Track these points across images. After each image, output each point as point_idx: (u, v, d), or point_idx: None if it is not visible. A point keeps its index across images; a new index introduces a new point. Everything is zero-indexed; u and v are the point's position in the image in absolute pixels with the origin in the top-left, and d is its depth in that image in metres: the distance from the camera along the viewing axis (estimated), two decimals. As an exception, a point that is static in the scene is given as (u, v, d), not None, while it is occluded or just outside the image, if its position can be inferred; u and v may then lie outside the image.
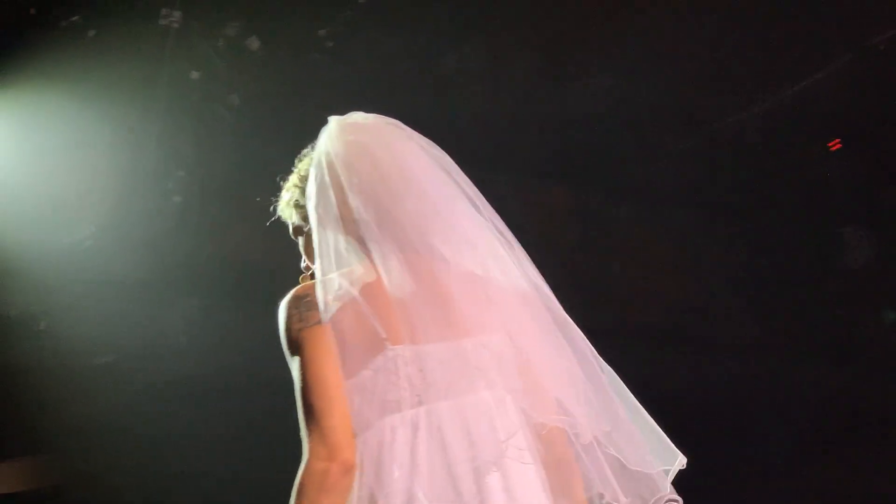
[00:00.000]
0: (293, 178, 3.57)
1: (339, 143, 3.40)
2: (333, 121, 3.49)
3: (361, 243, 3.31)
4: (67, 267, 7.21)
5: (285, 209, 3.59)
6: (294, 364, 3.24)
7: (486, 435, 3.20)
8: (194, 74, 7.39)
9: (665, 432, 3.42)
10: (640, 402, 3.43)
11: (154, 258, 7.74)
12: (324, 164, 3.37)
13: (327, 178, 3.35)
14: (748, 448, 9.41)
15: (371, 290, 3.28)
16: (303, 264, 3.54)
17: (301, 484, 3.18)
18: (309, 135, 8.53)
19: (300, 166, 3.57)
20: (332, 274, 3.27)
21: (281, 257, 8.28)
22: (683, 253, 10.09)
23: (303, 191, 3.50)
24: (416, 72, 8.41)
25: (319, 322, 3.21)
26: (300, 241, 3.56)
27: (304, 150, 3.52)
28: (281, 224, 8.35)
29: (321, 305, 3.21)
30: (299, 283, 3.42)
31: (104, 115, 7.37)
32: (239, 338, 7.92)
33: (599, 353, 3.47)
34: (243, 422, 9.16)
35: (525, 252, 3.40)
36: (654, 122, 8.90)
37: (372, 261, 3.29)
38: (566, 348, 3.33)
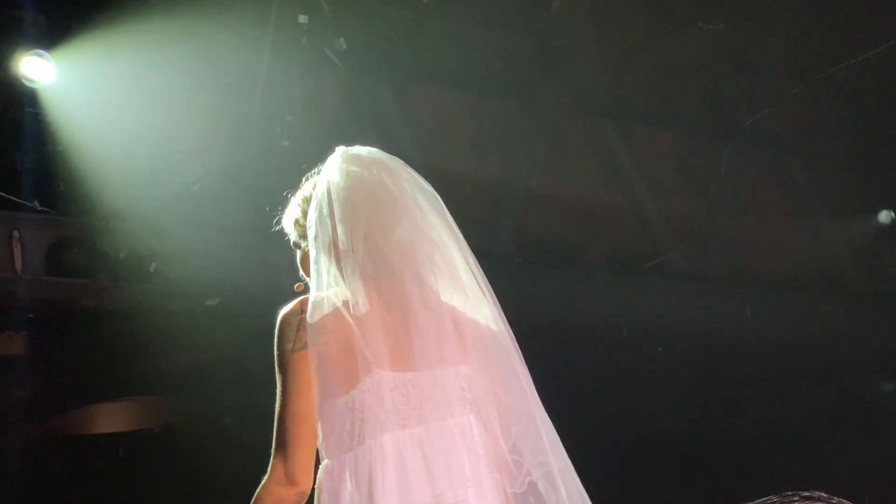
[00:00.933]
0: (298, 197, 3.78)
1: (341, 173, 3.62)
2: (339, 151, 3.70)
3: (352, 273, 3.48)
4: (176, 210, 7.34)
5: (287, 224, 3.80)
6: (279, 380, 3.45)
7: (462, 460, 3.46)
8: (301, 18, 7.44)
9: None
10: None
11: (261, 202, 7.81)
12: (324, 193, 3.59)
13: (325, 209, 3.57)
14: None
15: (358, 317, 3.45)
16: (299, 279, 3.73)
17: (258, 498, 3.45)
18: (414, 79, 8.53)
19: (305, 186, 3.77)
20: (323, 296, 3.44)
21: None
22: (790, 199, 10.05)
23: (304, 211, 3.71)
24: (526, 15, 8.40)
25: (301, 347, 3.41)
26: (297, 254, 3.76)
27: (311, 172, 3.71)
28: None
29: (311, 329, 3.39)
30: (294, 291, 3.64)
31: (213, 60, 7.47)
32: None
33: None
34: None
35: (495, 298, 3.63)
36: (764, 68, 8.83)
37: (360, 289, 3.47)
38: (528, 389, 3.54)
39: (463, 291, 3.60)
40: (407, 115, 8.40)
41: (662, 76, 9.21)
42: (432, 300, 3.51)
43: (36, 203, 7.02)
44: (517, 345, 3.62)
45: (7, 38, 6.80)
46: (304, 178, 3.75)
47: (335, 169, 3.63)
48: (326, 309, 3.42)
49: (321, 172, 3.65)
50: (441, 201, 3.70)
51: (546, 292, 8.73)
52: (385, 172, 3.63)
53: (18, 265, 7.04)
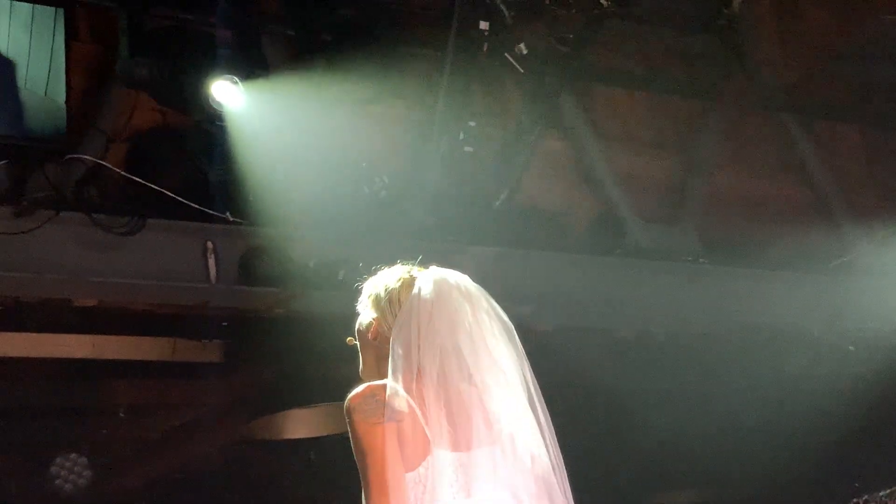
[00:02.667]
0: (378, 291, 4.03)
1: (431, 293, 3.92)
2: (433, 270, 4.00)
3: (419, 376, 3.83)
4: (364, 217, 7.45)
5: (367, 292, 4.05)
6: (360, 456, 3.72)
7: None
8: (482, 25, 7.49)
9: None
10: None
11: (446, 206, 7.88)
12: (414, 308, 3.89)
13: (412, 321, 3.87)
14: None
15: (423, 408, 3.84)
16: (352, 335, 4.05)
17: None
18: (594, 81, 8.47)
19: (395, 271, 4.05)
20: (397, 387, 3.78)
21: (567, 203, 8.54)
22: None
23: (388, 294, 3.98)
24: (705, 12, 8.34)
25: (389, 420, 3.73)
26: (361, 316, 4.03)
27: (401, 276, 3.99)
28: (565, 170, 8.39)
29: (389, 408, 3.74)
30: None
31: (396, 69, 7.54)
32: (528, 285, 8.03)
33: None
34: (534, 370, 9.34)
35: (552, 432, 3.98)
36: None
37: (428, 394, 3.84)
38: None
39: (521, 416, 3.93)
40: (588, 117, 8.39)
41: (846, 69, 9.07)
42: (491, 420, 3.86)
43: (228, 214, 7.19)
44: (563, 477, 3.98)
45: (202, 61, 6.95)
46: (395, 281, 3.98)
47: (428, 287, 3.93)
48: (401, 395, 3.77)
49: (416, 283, 3.94)
50: (514, 332, 4.00)
51: (733, 293, 8.66)
52: (468, 302, 3.95)
53: (213, 275, 7.22)
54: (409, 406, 3.76)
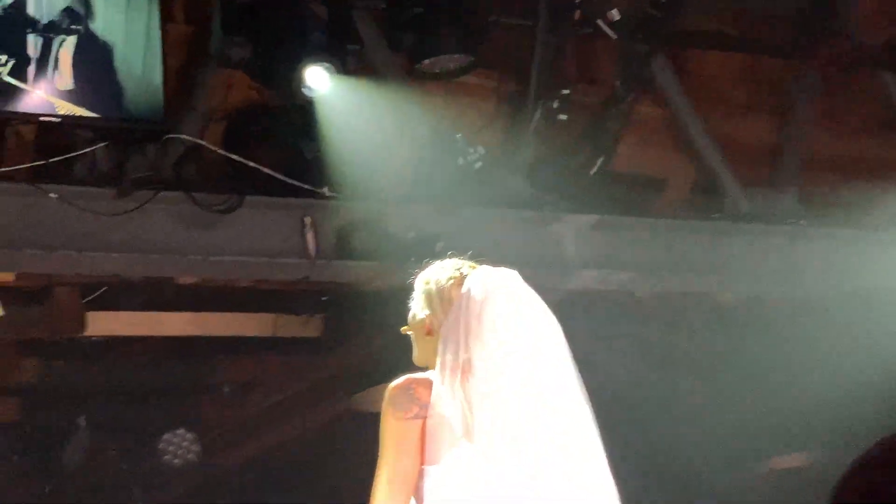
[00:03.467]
0: (430, 287, 4.14)
1: (482, 294, 4.01)
2: (482, 269, 4.12)
3: (464, 373, 3.93)
4: (460, 189, 7.46)
5: (415, 306, 4.14)
6: (380, 443, 3.90)
7: None
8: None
9: None
10: None
11: (542, 176, 7.86)
12: (464, 306, 3.98)
13: (461, 320, 3.96)
14: None
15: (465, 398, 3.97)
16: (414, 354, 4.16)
17: None
18: (686, 45, 8.38)
19: (448, 266, 4.18)
20: (439, 382, 3.91)
21: (664, 169, 8.52)
22: None
23: (431, 303, 4.08)
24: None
25: (416, 417, 3.89)
26: (413, 333, 4.14)
27: (451, 273, 4.10)
28: (661, 136, 8.28)
29: (420, 404, 3.89)
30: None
31: (488, 39, 7.50)
32: (627, 252, 8.03)
33: None
34: (637, 337, 9.30)
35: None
36: None
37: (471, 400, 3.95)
38: None
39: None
40: (681, 81, 8.32)
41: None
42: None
43: (325, 189, 7.24)
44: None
45: (295, 38, 6.97)
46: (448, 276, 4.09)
47: (477, 286, 4.02)
48: (438, 391, 3.89)
49: (466, 282, 4.03)
50: (560, 331, 4.01)
51: (835, 255, 8.58)
52: (515, 302, 4.01)
53: (311, 250, 7.28)
54: (443, 401, 3.89)
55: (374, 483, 3.89)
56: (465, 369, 3.95)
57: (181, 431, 9.70)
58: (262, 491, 10.49)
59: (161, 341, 8.80)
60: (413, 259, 7.08)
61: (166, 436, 9.65)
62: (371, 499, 3.90)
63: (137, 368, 9.14)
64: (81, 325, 8.02)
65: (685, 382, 9.48)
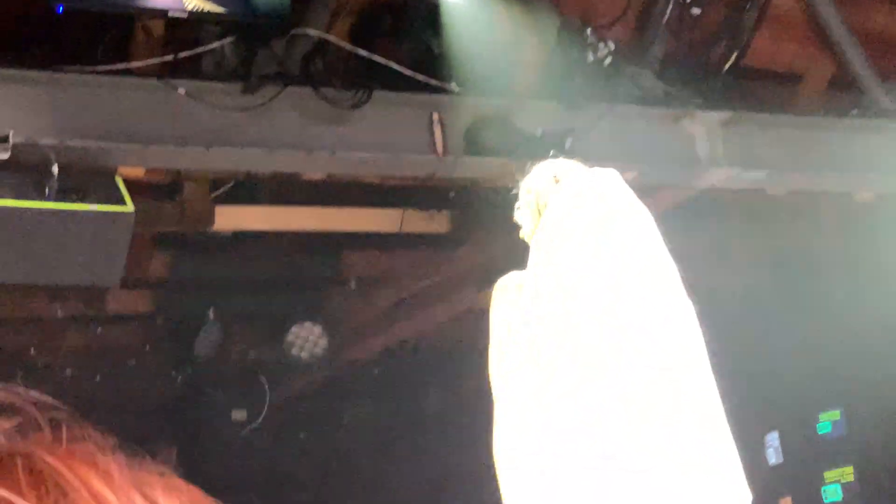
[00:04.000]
0: (529, 196, 3.29)
1: (573, 200, 3.09)
2: (579, 175, 3.17)
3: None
4: (590, 85, 7.35)
5: (522, 213, 3.32)
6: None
7: None
8: None
9: None
10: None
11: (674, 72, 7.76)
12: (553, 215, 3.11)
13: (548, 228, 3.13)
14: None
15: None
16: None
17: None
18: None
19: (536, 189, 3.27)
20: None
21: (799, 64, 8.34)
22: None
23: (530, 209, 3.28)
24: None
25: None
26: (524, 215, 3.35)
27: (547, 178, 3.24)
28: (796, 30, 8.11)
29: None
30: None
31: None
32: (760, 150, 7.88)
33: None
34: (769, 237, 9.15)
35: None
36: None
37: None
38: None
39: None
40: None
41: None
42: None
43: (453, 85, 7.17)
44: None
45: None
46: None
47: (568, 195, 3.17)
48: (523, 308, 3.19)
49: (560, 188, 3.24)
50: (663, 245, 3.25)
51: None
52: (608, 213, 3.11)
53: (439, 146, 7.25)
54: (521, 316, 3.47)
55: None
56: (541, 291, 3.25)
57: (308, 325, 9.80)
58: (388, 387, 10.71)
59: (288, 236, 8.85)
60: (541, 156, 7.18)
61: (294, 329, 9.76)
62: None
63: (265, 263, 9.24)
64: (210, 219, 8.09)
65: (818, 284, 9.36)
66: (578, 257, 2.95)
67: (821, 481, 9.97)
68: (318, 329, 9.85)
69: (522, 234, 3.64)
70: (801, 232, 9.15)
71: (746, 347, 9.44)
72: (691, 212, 8.49)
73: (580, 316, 2.82)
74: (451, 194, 8.30)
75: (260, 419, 10.21)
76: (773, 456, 10.28)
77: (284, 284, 9.61)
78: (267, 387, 10.27)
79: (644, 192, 7.94)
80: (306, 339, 9.84)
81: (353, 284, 9.64)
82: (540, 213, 3.23)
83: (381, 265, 9.53)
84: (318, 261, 9.41)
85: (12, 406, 1.04)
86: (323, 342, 9.88)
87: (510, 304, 3.05)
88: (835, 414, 9.92)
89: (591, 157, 6.93)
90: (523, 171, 3.35)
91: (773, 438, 10.28)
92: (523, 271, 3.06)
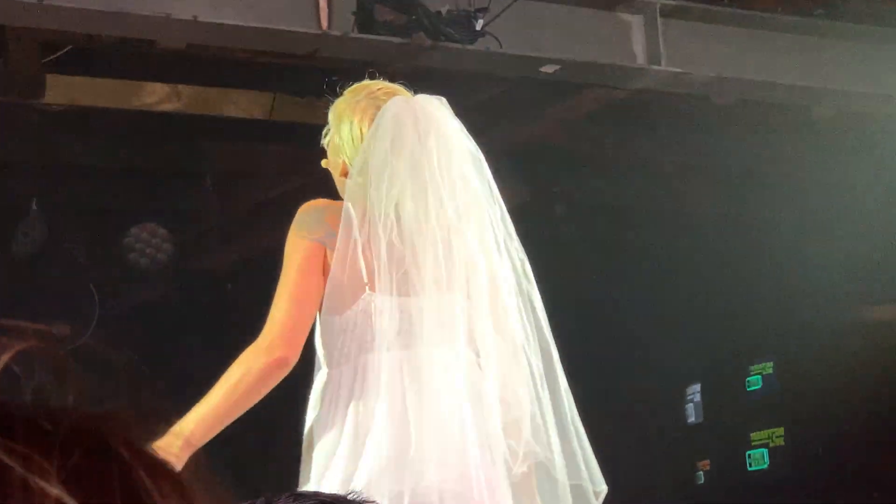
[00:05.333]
0: (342, 124, 4.65)
1: (394, 126, 4.44)
2: (397, 100, 4.53)
3: (377, 224, 4.36)
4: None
5: (331, 141, 4.67)
6: (286, 262, 4.38)
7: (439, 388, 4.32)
8: None
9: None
10: None
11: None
12: (373, 144, 4.44)
13: (370, 158, 4.45)
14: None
15: (366, 242, 4.36)
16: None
17: (242, 355, 4.33)
18: None
19: (353, 119, 4.63)
20: (351, 215, 4.34)
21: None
22: None
23: (341, 139, 4.63)
24: None
25: (321, 241, 4.37)
26: (329, 167, 4.70)
27: (364, 104, 4.64)
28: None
29: (326, 229, 4.39)
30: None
31: None
32: (710, 51, 7.92)
33: None
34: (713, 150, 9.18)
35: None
36: None
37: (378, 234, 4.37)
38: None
39: (483, 244, 4.45)
40: None
41: None
42: (453, 243, 4.37)
43: (347, -52, 7.08)
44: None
45: None
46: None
47: (387, 121, 4.44)
48: (348, 222, 4.33)
49: (378, 116, 4.46)
50: (485, 166, 4.54)
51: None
52: (432, 137, 4.42)
53: (324, 20, 7.13)
54: (351, 241, 4.30)
55: (275, 300, 4.32)
56: (364, 214, 4.34)
57: (151, 226, 9.63)
58: (243, 303, 10.49)
59: (134, 116, 8.67)
60: (444, 39, 7.02)
61: (133, 229, 9.57)
62: (269, 317, 4.31)
63: (103, 147, 9.01)
64: (40, 89, 7.92)
65: (771, 204, 9.40)
66: (424, 178, 4.41)
67: (746, 444, 10.07)
68: (162, 231, 9.66)
69: (329, 158, 4.59)
70: (747, 150, 9.21)
71: (672, 283, 9.49)
72: (620, 117, 8.49)
73: (440, 228, 4.39)
74: (334, 78, 8.16)
75: (86, 335, 10.01)
76: (693, 413, 10.38)
77: (125, 174, 9.40)
78: (97, 297, 10.08)
79: (566, 91, 8.05)
80: (148, 242, 9.64)
81: (208, 180, 9.48)
82: (353, 142, 4.51)
83: (245, 158, 9.39)
84: (168, 149, 9.22)
85: None
86: (167, 247, 9.70)
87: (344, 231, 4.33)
88: (766, 367, 10.01)
89: (505, 44, 6.97)
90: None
91: (694, 392, 10.36)
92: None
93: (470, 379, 4.29)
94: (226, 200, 9.67)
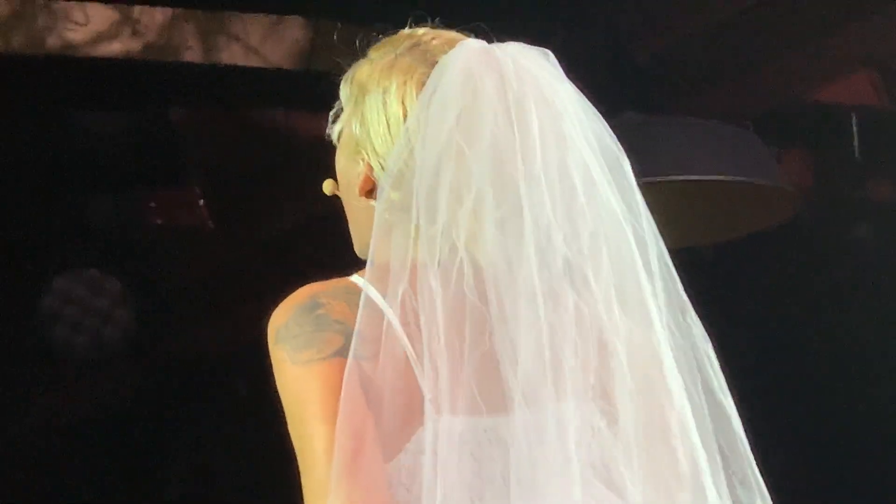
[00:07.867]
0: (366, 105, 2.68)
1: (460, 94, 2.57)
2: (462, 49, 2.62)
3: (414, 272, 2.55)
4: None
5: (343, 139, 2.75)
6: (290, 414, 2.55)
7: None
8: None
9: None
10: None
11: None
12: (423, 127, 2.59)
13: (417, 154, 2.60)
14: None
15: (418, 325, 2.59)
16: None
17: None
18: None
19: (387, 91, 2.66)
20: (374, 291, 2.55)
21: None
22: None
23: (368, 135, 2.69)
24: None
25: (337, 354, 2.49)
26: (342, 195, 2.78)
27: (405, 68, 2.63)
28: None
29: (347, 332, 2.50)
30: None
31: None
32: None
33: None
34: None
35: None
36: None
37: (429, 278, 2.56)
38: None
39: (624, 300, 2.68)
40: None
41: None
42: (567, 304, 2.61)
43: None
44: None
45: None
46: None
47: (450, 86, 2.54)
48: (379, 310, 2.53)
49: (430, 80, 2.55)
50: (625, 163, 2.63)
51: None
52: (534, 112, 2.54)
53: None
54: (394, 335, 2.50)
55: (304, 472, 2.43)
56: (414, 266, 2.51)
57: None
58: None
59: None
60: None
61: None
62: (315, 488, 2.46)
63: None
64: None
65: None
66: (517, 190, 2.65)
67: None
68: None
69: (341, 169, 2.83)
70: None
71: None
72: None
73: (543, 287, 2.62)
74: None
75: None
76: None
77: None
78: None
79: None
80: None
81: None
82: (389, 132, 2.70)
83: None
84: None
85: None
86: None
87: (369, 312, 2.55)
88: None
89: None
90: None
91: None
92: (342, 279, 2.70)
93: None
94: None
